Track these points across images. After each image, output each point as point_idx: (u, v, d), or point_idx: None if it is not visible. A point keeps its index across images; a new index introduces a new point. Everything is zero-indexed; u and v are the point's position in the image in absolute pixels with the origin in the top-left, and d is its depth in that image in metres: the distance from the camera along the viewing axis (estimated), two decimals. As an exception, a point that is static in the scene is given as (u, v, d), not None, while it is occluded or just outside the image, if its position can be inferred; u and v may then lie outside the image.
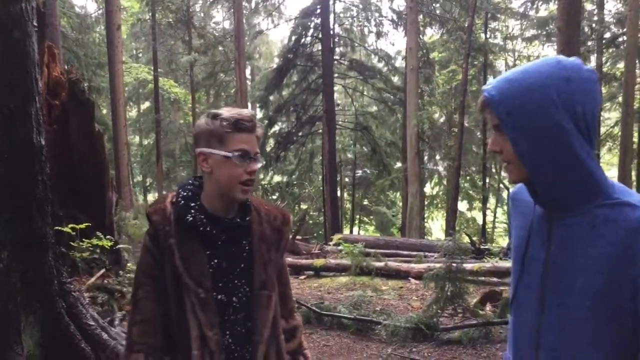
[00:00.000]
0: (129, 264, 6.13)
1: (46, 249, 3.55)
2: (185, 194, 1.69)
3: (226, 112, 1.63)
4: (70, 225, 5.25)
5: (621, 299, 1.17)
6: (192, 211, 1.64)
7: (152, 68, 20.87)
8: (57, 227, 4.33)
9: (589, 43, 19.61)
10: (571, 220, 1.23)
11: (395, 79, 22.61)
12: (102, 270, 5.85)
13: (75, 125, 5.75)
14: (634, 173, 18.56)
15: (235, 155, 1.60)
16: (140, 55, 27.11)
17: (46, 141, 3.60)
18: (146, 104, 27.67)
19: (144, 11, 21.60)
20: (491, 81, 1.28)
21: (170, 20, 21.30)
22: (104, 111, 19.89)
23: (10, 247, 3.33)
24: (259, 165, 1.67)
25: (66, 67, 7.56)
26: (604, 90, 20.58)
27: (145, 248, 1.67)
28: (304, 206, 21.96)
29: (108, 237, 5.79)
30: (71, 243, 5.39)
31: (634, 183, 19.04)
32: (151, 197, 27.31)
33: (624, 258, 1.15)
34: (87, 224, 5.43)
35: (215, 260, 1.64)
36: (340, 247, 10.35)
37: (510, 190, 1.49)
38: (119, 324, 4.55)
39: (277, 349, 1.72)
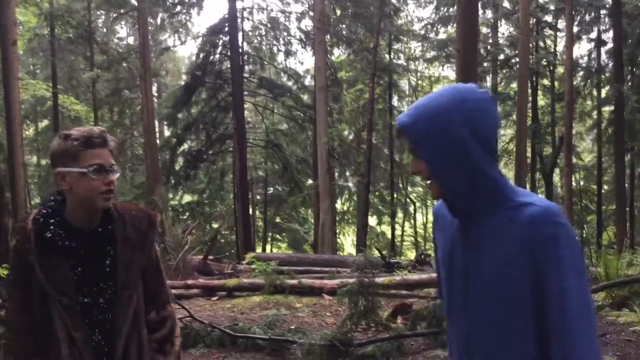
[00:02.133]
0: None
1: None
2: (45, 211, 1.82)
3: (76, 131, 1.76)
4: (-40, 255, 4.86)
5: (528, 290, 1.28)
6: (52, 227, 1.78)
7: (51, 85, 19.84)
8: (-55, 257, 3.99)
9: (485, 64, 20.87)
10: (483, 225, 1.35)
11: (305, 97, 22.90)
12: (-2, 302, 5.45)
13: (-34, 147, 5.36)
14: (528, 186, 19.82)
15: (90, 170, 1.74)
16: (38, 71, 25.72)
17: None
18: (45, 122, 26.24)
19: (42, 26, 20.55)
20: (403, 112, 1.41)
21: (71, 35, 20.37)
22: (-2, 130, 18.66)
23: None
24: (116, 175, 1.81)
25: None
26: (499, 108, 21.92)
27: (12, 264, 1.88)
28: (215, 225, 21.59)
29: (4, 265, 5.41)
30: (-38, 274, 4.99)
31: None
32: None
33: (524, 252, 1.28)
34: (-20, 252, 5.05)
35: (79, 268, 1.80)
36: (253, 266, 10.25)
37: (433, 207, 1.60)
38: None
39: (137, 341, 1.87)
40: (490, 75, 21.62)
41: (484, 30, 21.42)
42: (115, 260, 1.84)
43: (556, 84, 21.14)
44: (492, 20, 21.29)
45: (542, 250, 1.27)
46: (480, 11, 19.57)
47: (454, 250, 1.43)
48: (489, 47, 21.16)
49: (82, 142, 1.73)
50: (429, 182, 1.39)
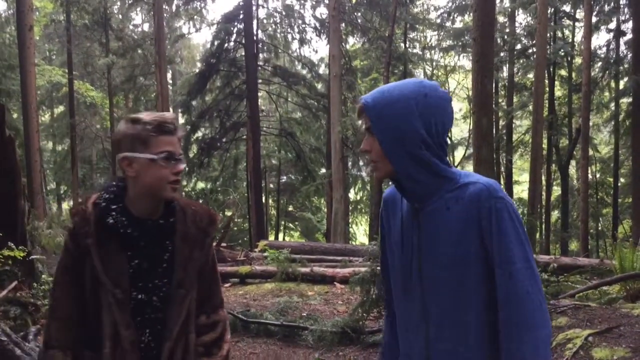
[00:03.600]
0: (43, 276, 5.82)
1: (-49, 262, 3.31)
2: (107, 196, 1.72)
3: (147, 116, 1.67)
4: (-22, 237, 4.92)
5: (477, 260, 1.42)
6: (114, 213, 1.67)
7: (67, 70, 19.97)
8: (-37, 239, 4.04)
9: (502, 54, 20.62)
10: (432, 207, 1.47)
11: (319, 86, 22.82)
12: (14, 283, 5.52)
13: (-17, 130, 5.41)
14: (543, 177, 19.66)
15: (161, 157, 1.65)
16: (54, 57, 25.90)
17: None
18: (60, 108, 26.45)
19: (58, 12, 20.65)
20: (368, 93, 1.52)
21: (87, 21, 20.45)
22: (15, 115, 18.84)
23: None
24: (184, 165, 1.73)
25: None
26: (515, 99, 21.70)
27: (65, 247, 1.72)
28: (228, 213, 21.67)
29: (20, 247, 5.47)
30: (-21, 255, 5.06)
31: (544, 187, 20.17)
32: (66, 205, 26.06)
33: (472, 227, 1.41)
34: (-4, 235, 5.11)
35: (136, 261, 1.69)
36: (265, 254, 10.29)
37: (383, 194, 1.72)
38: (33, 338, 4.30)
39: (184, 344, 1.76)
40: (507, 65, 21.36)
41: (501, 19, 21.16)
42: (173, 256, 1.74)
43: (574, 74, 20.85)
44: (509, 9, 21.02)
45: (487, 224, 1.40)
46: (498, 0, 19.34)
47: (407, 233, 1.54)
48: (505, 37, 20.89)
49: (154, 127, 1.64)
50: (375, 162, 1.50)
